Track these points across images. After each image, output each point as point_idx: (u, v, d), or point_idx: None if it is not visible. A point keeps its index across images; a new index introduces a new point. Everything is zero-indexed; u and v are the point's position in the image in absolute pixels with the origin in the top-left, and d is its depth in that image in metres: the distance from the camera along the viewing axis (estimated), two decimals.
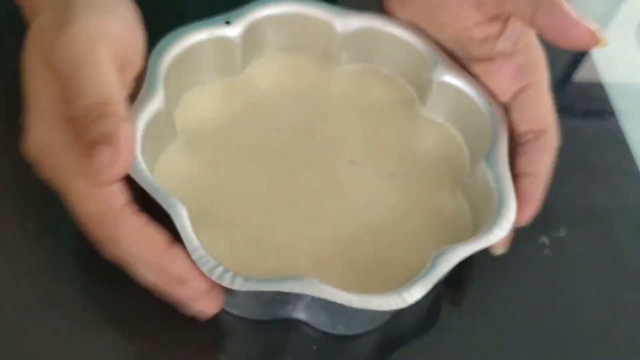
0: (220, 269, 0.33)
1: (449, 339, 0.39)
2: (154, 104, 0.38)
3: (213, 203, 0.40)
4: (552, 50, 0.58)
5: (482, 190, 0.39)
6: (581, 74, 0.57)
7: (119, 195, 0.33)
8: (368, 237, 0.39)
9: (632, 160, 0.51)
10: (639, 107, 0.57)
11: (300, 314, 0.38)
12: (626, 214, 0.47)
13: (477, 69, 0.42)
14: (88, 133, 0.31)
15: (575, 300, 0.42)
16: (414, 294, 0.33)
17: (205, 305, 0.34)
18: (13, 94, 0.36)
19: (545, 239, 0.44)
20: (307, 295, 0.33)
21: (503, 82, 0.41)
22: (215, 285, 0.33)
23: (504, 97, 0.41)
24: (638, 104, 0.57)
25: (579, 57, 0.58)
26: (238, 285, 0.32)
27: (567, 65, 0.57)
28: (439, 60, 0.42)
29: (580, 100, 0.55)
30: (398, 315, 0.35)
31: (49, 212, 0.41)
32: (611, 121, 0.53)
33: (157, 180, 0.39)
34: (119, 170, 0.31)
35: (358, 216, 0.40)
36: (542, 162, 0.39)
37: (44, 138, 0.33)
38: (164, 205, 0.34)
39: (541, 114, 0.40)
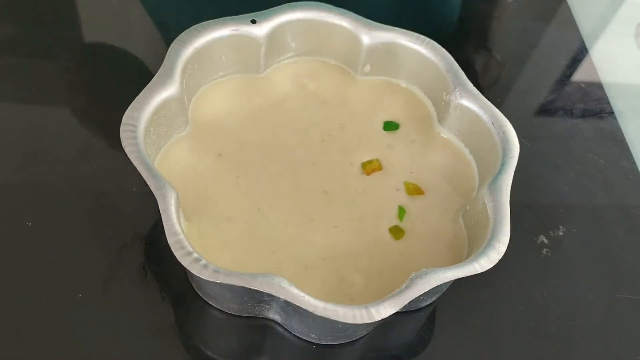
0: (193, 256, 0.33)
1: (448, 338, 0.40)
2: (167, 91, 0.39)
3: (213, 195, 0.40)
4: (552, 50, 0.58)
5: (479, 217, 0.38)
6: (580, 74, 0.57)
7: None
8: (362, 248, 0.39)
9: (631, 160, 0.51)
10: (637, 107, 0.57)
11: (275, 316, 0.38)
12: (625, 213, 0.47)
13: None
14: None
15: (574, 300, 0.42)
16: (382, 311, 0.32)
17: None
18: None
19: (544, 239, 0.45)
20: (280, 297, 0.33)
21: None
22: None
23: None
24: (637, 103, 0.57)
25: (578, 57, 0.58)
26: (207, 275, 0.32)
27: (567, 65, 0.57)
28: (460, 83, 0.43)
29: (580, 100, 0.55)
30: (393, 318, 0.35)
31: (50, 212, 0.41)
32: (610, 121, 0.53)
33: (158, 164, 0.40)
34: None
35: (356, 226, 0.40)
36: None
37: None
38: (152, 187, 0.34)
39: None
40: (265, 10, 0.44)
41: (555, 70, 0.55)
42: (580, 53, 0.58)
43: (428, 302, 0.39)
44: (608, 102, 0.55)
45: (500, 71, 0.56)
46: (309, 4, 0.45)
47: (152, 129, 0.38)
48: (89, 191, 0.43)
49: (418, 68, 0.45)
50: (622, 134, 0.52)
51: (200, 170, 0.41)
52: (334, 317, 0.32)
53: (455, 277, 0.34)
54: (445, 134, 0.45)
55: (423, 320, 0.40)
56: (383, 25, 0.45)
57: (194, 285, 0.39)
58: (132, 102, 0.38)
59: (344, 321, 0.32)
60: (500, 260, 0.35)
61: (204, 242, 0.38)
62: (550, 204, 0.47)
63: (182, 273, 0.39)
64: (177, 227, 0.34)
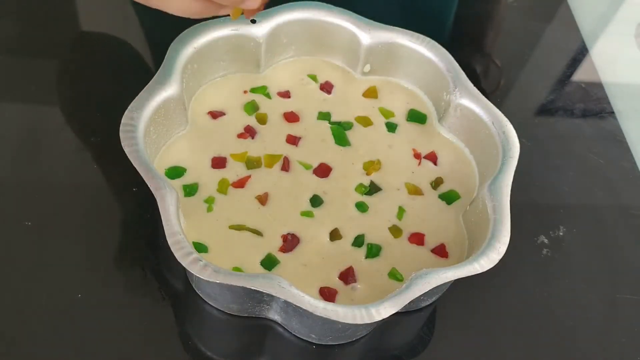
0: (193, 256, 0.33)
1: (448, 338, 0.40)
2: (166, 91, 0.39)
3: (212, 194, 0.40)
4: (552, 50, 0.58)
5: (479, 217, 0.38)
6: (580, 74, 0.57)
7: None
8: (362, 248, 0.39)
9: (631, 160, 0.51)
10: (638, 107, 0.57)
11: (275, 316, 0.38)
12: (625, 213, 0.47)
13: None
14: None
15: (575, 300, 0.42)
16: (382, 311, 0.32)
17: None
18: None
19: (544, 239, 0.45)
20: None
21: None
22: None
23: None
24: (637, 103, 0.57)
25: (578, 57, 0.58)
26: (207, 275, 0.32)
27: (567, 65, 0.57)
28: (460, 83, 0.43)
29: (580, 100, 0.55)
30: (391, 321, 0.35)
31: (49, 212, 0.41)
32: (610, 121, 0.53)
33: (159, 164, 0.40)
34: None
35: (356, 225, 0.40)
36: None
37: None
38: (152, 187, 0.34)
39: None
40: (265, 10, 0.44)
41: (555, 70, 0.55)
42: (580, 53, 0.58)
43: (428, 302, 0.39)
44: (608, 102, 0.55)
45: (499, 76, 0.55)
46: (309, 4, 0.45)
47: (152, 129, 0.38)
48: (89, 191, 0.43)
49: (418, 68, 0.45)
50: (622, 134, 0.52)
51: (199, 170, 0.41)
52: (334, 317, 0.32)
53: (455, 277, 0.34)
54: (445, 133, 0.45)
55: (423, 320, 0.40)
56: (383, 25, 0.45)
57: (193, 285, 0.39)
58: (132, 102, 0.38)
59: (344, 321, 0.32)
60: (501, 260, 0.35)
61: (204, 241, 0.38)
62: (550, 204, 0.47)
63: (182, 273, 0.39)
64: (177, 227, 0.34)
